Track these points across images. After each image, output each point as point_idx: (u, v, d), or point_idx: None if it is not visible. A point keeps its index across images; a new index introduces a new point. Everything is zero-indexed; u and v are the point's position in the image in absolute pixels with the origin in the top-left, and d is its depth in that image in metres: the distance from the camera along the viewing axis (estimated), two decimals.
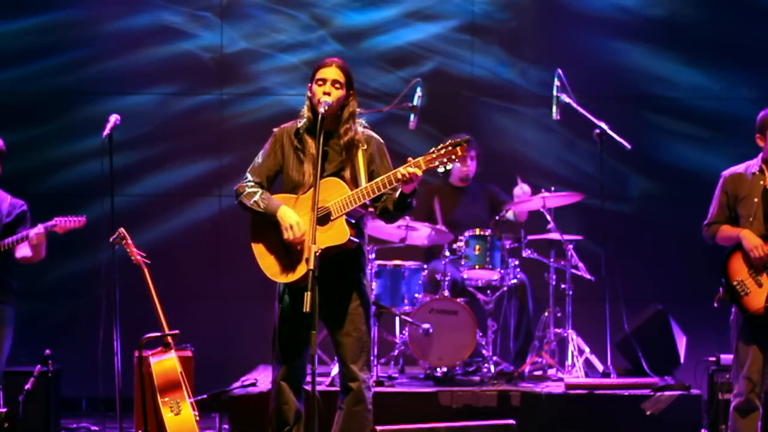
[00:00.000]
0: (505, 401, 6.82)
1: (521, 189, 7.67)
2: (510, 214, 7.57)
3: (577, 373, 7.27)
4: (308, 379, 4.83)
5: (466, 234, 7.50)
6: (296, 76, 8.70)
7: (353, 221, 5.09)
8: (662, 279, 8.55)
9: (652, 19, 8.69)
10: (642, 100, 8.69)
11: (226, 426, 6.83)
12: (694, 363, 7.51)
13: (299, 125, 5.20)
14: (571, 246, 7.52)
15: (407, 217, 7.22)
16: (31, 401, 6.61)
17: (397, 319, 7.56)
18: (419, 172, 4.91)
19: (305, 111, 5.19)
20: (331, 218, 5.01)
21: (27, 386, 6.52)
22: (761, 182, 5.73)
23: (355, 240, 5.06)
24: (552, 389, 6.96)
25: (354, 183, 5.09)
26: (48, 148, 8.67)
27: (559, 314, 7.60)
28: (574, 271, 7.54)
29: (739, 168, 5.84)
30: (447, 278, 7.44)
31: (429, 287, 7.65)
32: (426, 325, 7.10)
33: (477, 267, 7.46)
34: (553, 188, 7.52)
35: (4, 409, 6.25)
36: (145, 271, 6.20)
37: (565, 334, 7.48)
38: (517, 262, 7.57)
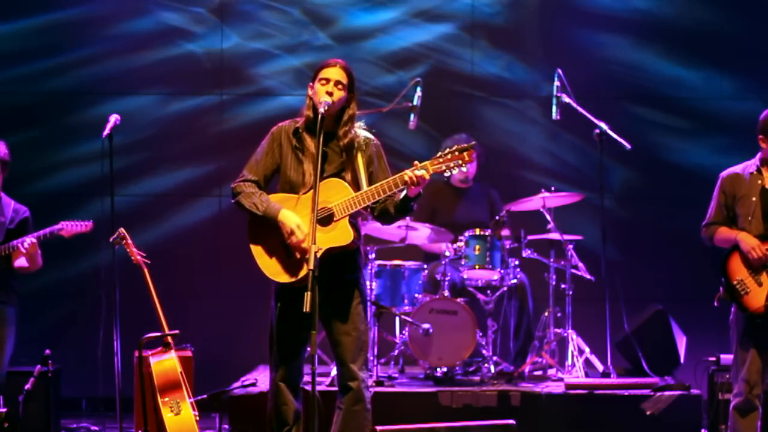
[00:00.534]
0: (505, 401, 6.82)
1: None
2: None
3: (577, 373, 7.27)
4: (308, 379, 4.83)
5: (466, 234, 7.50)
6: (296, 76, 8.70)
7: (353, 222, 5.09)
8: (662, 279, 8.55)
9: (654, 18, 8.70)
10: (628, 94, 8.70)
11: (226, 426, 6.83)
12: (694, 363, 7.51)
13: (298, 124, 5.20)
14: (571, 246, 7.52)
15: (407, 218, 7.23)
16: (31, 401, 6.61)
17: (397, 319, 7.56)
18: (427, 176, 4.91)
19: (305, 110, 5.18)
20: (334, 219, 5.01)
21: (27, 386, 6.52)
22: (759, 182, 5.74)
23: (355, 242, 5.06)
24: (552, 389, 6.96)
25: (355, 185, 5.09)
26: (48, 148, 8.67)
27: (559, 314, 7.60)
28: (574, 271, 7.55)
29: (737, 168, 5.86)
30: (447, 278, 7.44)
31: (429, 287, 7.65)
32: (426, 325, 7.10)
33: (477, 267, 7.46)
34: (553, 188, 7.53)
35: (4, 409, 6.25)
36: (145, 271, 6.20)
37: (565, 334, 7.48)
38: (517, 262, 7.57)
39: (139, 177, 8.66)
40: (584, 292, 7.66)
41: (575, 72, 7.75)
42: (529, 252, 7.60)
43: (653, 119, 8.70)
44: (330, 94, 5.06)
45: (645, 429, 6.76)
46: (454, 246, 7.51)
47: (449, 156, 4.91)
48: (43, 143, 8.66)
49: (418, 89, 7.46)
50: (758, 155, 5.80)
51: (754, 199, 5.73)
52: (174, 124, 8.75)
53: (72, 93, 8.69)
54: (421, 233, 7.61)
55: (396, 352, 7.56)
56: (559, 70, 7.48)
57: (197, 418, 5.84)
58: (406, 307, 7.45)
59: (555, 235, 7.52)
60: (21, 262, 6.49)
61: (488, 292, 7.57)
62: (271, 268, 5.08)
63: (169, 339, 5.98)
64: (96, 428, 7.53)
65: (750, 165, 5.83)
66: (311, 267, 4.66)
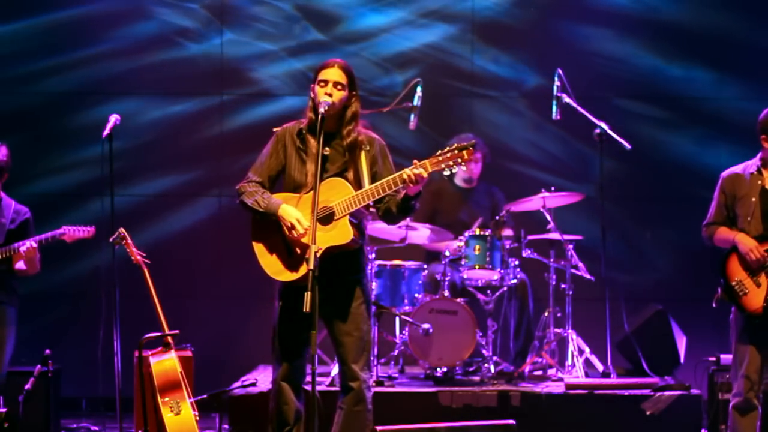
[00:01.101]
0: (505, 401, 6.82)
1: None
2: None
3: (577, 373, 7.27)
4: (308, 379, 4.83)
5: (466, 234, 7.50)
6: (296, 77, 8.70)
7: (356, 222, 5.09)
8: (662, 279, 8.55)
9: (655, 16, 8.71)
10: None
11: (226, 426, 6.83)
12: (694, 363, 7.51)
13: (302, 125, 5.21)
14: (571, 246, 7.52)
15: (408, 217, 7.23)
16: (31, 401, 6.60)
17: (397, 319, 7.56)
18: (425, 174, 4.92)
19: (308, 111, 5.19)
20: (335, 218, 5.02)
21: (27, 386, 6.52)
22: (759, 182, 5.74)
23: (356, 241, 5.06)
24: (552, 389, 6.96)
25: (357, 184, 5.09)
26: (48, 148, 8.67)
27: (559, 314, 7.60)
28: (574, 271, 7.55)
29: (737, 168, 5.86)
30: (447, 278, 7.44)
31: (429, 287, 7.65)
32: (426, 325, 7.10)
33: (477, 267, 7.46)
34: (553, 188, 7.53)
35: (4, 409, 6.26)
36: (145, 271, 6.20)
37: (565, 334, 7.48)
38: (517, 262, 7.57)
39: (139, 177, 8.66)
40: (584, 292, 7.66)
41: (576, 72, 7.74)
42: (529, 252, 7.60)
43: (653, 119, 8.70)
44: (329, 95, 5.07)
45: (645, 429, 6.76)
46: (455, 246, 7.51)
47: (448, 154, 4.91)
48: (44, 143, 8.66)
49: (419, 89, 7.45)
50: (759, 155, 5.80)
51: (753, 199, 5.73)
52: (174, 124, 8.74)
53: (72, 93, 8.69)
54: (421, 233, 7.61)
55: (396, 352, 7.56)
56: (559, 70, 7.48)
57: (197, 418, 5.84)
58: (406, 307, 7.44)
59: (555, 235, 7.52)
60: (20, 265, 6.49)
61: (488, 292, 7.57)
62: (273, 267, 5.09)
63: (169, 339, 5.98)
64: (96, 428, 7.53)
65: (750, 165, 5.82)
66: (311, 267, 4.66)
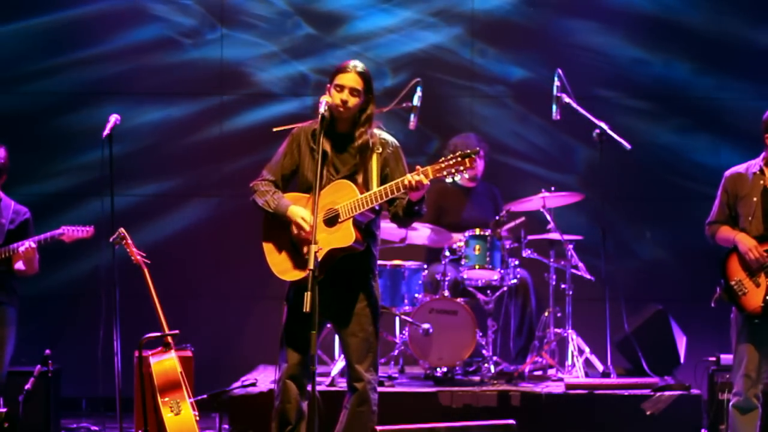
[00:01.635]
0: (505, 401, 6.82)
1: None
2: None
3: (577, 373, 7.27)
4: None
5: (466, 234, 7.50)
6: (296, 78, 8.70)
7: (362, 225, 5.08)
8: (662, 279, 8.55)
9: (654, 16, 8.71)
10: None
11: (226, 426, 6.83)
12: (694, 363, 7.51)
13: (317, 126, 5.20)
14: (571, 246, 7.52)
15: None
16: (31, 401, 6.61)
17: (397, 319, 7.56)
18: (425, 181, 4.91)
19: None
20: (339, 220, 5.02)
21: (27, 386, 6.53)
22: (761, 182, 5.74)
23: (360, 244, 5.05)
24: (552, 389, 6.96)
25: (366, 186, 5.09)
26: (48, 148, 8.67)
27: (559, 314, 7.60)
28: (574, 271, 7.55)
29: (740, 168, 5.86)
30: (447, 278, 7.44)
31: (429, 287, 7.65)
32: (426, 325, 7.10)
33: (477, 267, 7.46)
34: (553, 188, 7.53)
35: (4, 409, 6.26)
36: (145, 271, 6.21)
37: (565, 334, 7.48)
38: (517, 262, 7.57)
39: (139, 177, 8.66)
40: (584, 292, 7.66)
41: (578, 72, 7.74)
42: (529, 252, 7.60)
43: (654, 117, 8.70)
44: (344, 101, 5.07)
45: (645, 429, 6.76)
46: (456, 239, 7.51)
47: (451, 161, 4.90)
48: (43, 144, 8.65)
49: (419, 89, 7.46)
50: (762, 155, 5.79)
51: (755, 199, 5.72)
52: (174, 125, 8.74)
53: (72, 94, 8.69)
54: (421, 233, 7.61)
55: (396, 352, 7.56)
56: (559, 70, 7.48)
57: (197, 418, 5.84)
58: (406, 307, 7.44)
59: (555, 235, 7.52)
60: (19, 265, 6.49)
61: (488, 292, 7.56)
62: (279, 266, 5.11)
63: (169, 339, 5.98)
64: (96, 428, 7.53)
65: (753, 165, 5.82)
66: (311, 267, 4.66)
